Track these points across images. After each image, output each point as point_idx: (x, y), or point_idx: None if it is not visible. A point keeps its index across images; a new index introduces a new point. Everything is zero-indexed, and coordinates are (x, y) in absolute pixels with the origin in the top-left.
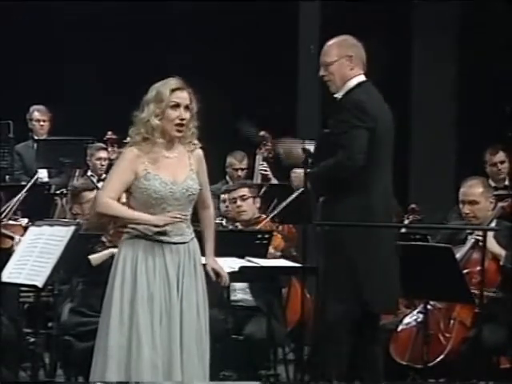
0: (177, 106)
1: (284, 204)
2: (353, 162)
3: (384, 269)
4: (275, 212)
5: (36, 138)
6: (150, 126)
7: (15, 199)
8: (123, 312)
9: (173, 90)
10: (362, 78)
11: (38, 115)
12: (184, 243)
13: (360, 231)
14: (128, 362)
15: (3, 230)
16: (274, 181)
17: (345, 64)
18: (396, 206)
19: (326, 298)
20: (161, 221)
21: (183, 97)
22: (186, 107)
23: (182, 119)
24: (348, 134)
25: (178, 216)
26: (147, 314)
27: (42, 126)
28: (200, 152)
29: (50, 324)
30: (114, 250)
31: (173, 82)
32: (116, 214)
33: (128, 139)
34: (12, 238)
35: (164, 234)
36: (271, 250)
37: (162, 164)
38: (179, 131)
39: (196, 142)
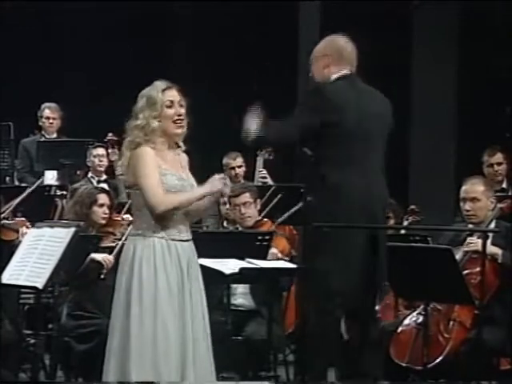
0: (171, 104)
1: (292, 210)
2: (288, 134)
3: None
4: (282, 218)
5: (45, 135)
6: (149, 129)
7: (16, 201)
8: (144, 311)
9: (163, 90)
10: (340, 73)
11: (49, 113)
12: (189, 240)
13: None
14: (154, 358)
15: (7, 222)
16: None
17: (320, 62)
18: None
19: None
20: (215, 184)
21: (174, 95)
22: (180, 104)
23: (180, 115)
24: (297, 109)
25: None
26: (171, 310)
27: (51, 123)
28: (185, 155)
29: (50, 325)
30: (93, 256)
31: (160, 83)
32: (179, 203)
33: (127, 141)
34: (17, 231)
35: (177, 231)
36: (278, 254)
37: (169, 161)
38: (180, 127)
39: (181, 144)
